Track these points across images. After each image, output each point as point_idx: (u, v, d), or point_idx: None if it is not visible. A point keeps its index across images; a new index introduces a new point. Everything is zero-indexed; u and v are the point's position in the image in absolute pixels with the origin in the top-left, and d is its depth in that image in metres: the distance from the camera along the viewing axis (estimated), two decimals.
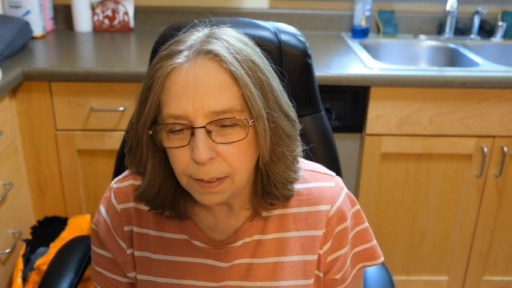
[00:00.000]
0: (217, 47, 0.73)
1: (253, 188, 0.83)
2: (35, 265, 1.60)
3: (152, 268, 0.88)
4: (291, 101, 0.81)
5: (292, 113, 0.80)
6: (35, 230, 1.76)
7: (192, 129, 0.71)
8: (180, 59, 0.73)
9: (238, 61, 0.72)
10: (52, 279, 1.08)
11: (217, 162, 0.72)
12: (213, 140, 0.72)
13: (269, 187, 0.81)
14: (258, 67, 0.75)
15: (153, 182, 0.81)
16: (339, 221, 0.86)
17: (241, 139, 0.73)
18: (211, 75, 0.71)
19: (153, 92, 0.73)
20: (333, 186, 0.87)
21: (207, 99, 0.70)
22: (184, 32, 0.78)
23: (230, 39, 0.75)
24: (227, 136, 0.72)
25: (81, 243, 1.21)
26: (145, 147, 0.77)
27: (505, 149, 1.79)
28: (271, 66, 0.79)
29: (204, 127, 0.71)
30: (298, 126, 0.82)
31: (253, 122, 0.73)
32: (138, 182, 0.86)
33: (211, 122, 0.71)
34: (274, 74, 0.79)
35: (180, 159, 0.73)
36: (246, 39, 0.78)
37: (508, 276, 2.03)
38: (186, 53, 0.73)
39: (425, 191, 1.88)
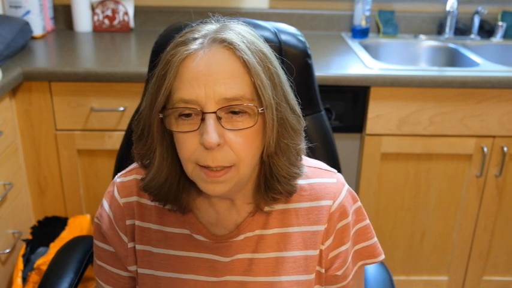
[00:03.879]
0: (231, 36, 0.75)
1: (256, 183, 0.84)
2: (35, 265, 1.60)
3: (153, 262, 0.88)
4: (297, 98, 0.83)
5: (298, 108, 0.82)
6: (35, 230, 1.76)
7: (202, 115, 0.72)
8: (195, 45, 0.75)
9: (251, 51, 0.74)
10: (52, 279, 1.08)
11: (224, 150, 0.73)
12: (222, 126, 0.73)
13: (272, 182, 0.82)
14: (269, 59, 0.77)
15: (161, 170, 0.81)
16: (341, 217, 0.87)
17: (250, 126, 0.74)
18: (224, 62, 0.73)
19: (168, 77, 0.74)
20: (335, 182, 0.88)
21: (218, 86, 0.72)
22: (197, 24, 0.80)
23: (243, 32, 0.77)
24: (236, 123, 0.74)
25: (81, 243, 1.21)
26: (156, 132, 0.78)
27: (505, 149, 1.79)
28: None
29: (214, 112, 0.72)
30: (303, 122, 0.83)
31: (262, 110, 0.74)
32: (141, 177, 0.86)
33: (222, 108, 0.72)
34: (282, 71, 0.80)
35: (189, 145, 0.74)
36: (257, 35, 0.80)
37: (508, 276, 2.03)
38: (200, 40, 0.75)
39: (425, 191, 1.88)
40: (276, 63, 0.78)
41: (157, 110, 0.76)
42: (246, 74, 0.73)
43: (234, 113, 0.73)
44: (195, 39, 0.75)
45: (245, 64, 0.73)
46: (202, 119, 0.72)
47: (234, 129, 0.73)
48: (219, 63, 0.73)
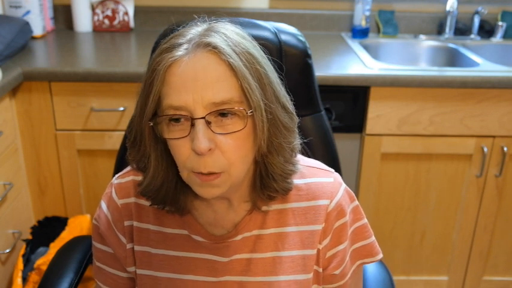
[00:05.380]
0: (215, 39, 0.74)
1: (252, 181, 0.84)
2: (35, 265, 1.60)
3: (152, 263, 0.88)
4: (289, 95, 0.82)
5: (290, 106, 0.81)
6: (35, 230, 1.76)
7: (192, 120, 0.72)
8: (180, 51, 0.74)
9: (236, 53, 0.74)
10: (52, 279, 1.08)
11: (215, 155, 0.73)
12: (212, 131, 0.73)
13: (267, 180, 0.82)
14: (256, 59, 0.76)
15: (157, 175, 0.81)
16: (338, 216, 0.87)
17: (240, 129, 0.74)
18: (210, 67, 0.73)
19: (155, 85, 0.74)
20: (332, 182, 0.88)
21: (206, 91, 0.72)
22: (183, 27, 0.79)
23: (228, 33, 0.76)
24: (226, 127, 0.74)
25: (81, 243, 1.21)
26: (148, 139, 0.79)
27: (505, 149, 1.79)
28: (269, 60, 0.80)
29: (203, 118, 0.72)
30: (296, 119, 0.82)
31: (251, 112, 0.74)
32: (139, 178, 0.87)
33: (211, 112, 0.72)
34: (272, 68, 0.80)
35: (181, 151, 0.74)
36: (244, 34, 0.79)
37: (508, 276, 2.03)
38: (185, 46, 0.75)
39: (425, 191, 1.88)
40: (264, 63, 0.77)
41: (148, 118, 0.76)
42: (232, 77, 0.73)
43: (224, 115, 0.73)
44: (180, 44, 0.75)
45: (231, 67, 0.73)
46: (192, 125, 0.72)
47: (224, 133, 0.73)
48: (205, 68, 0.72)
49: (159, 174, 0.81)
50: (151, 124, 0.76)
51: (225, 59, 0.73)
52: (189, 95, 0.72)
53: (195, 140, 0.71)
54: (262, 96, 0.75)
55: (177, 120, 0.74)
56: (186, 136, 0.73)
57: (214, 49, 0.73)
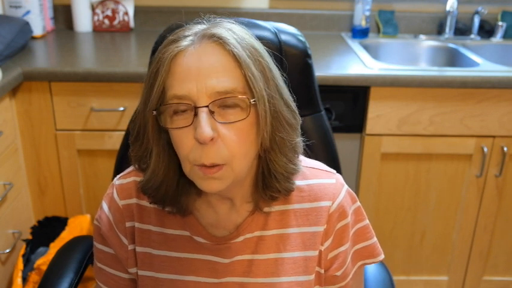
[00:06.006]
0: (221, 31, 0.76)
1: (254, 181, 0.84)
2: (35, 265, 1.60)
3: (154, 264, 0.88)
4: (291, 95, 0.83)
5: (293, 104, 0.82)
6: (35, 230, 1.76)
7: (195, 109, 0.73)
8: (185, 42, 0.75)
9: (241, 45, 0.75)
10: (52, 279, 1.08)
11: (217, 145, 0.73)
12: (215, 120, 0.73)
13: (270, 180, 0.82)
14: (260, 53, 0.77)
15: (157, 171, 0.81)
16: (340, 218, 0.87)
17: (243, 119, 0.74)
18: (214, 57, 0.74)
19: (160, 74, 0.75)
20: (334, 183, 0.88)
21: (210, 80, 0.72)
22: (189, 24, 0.81)
23: (234, 29, 0.78)
24: (229, 117, 0.74)
25: (81, 243, 1.21)
26: (151, 131, 0.79)
27: (505, 149, 1.79)
28: (272, 60, 0.81)
29: (207, 106, 0.72)
30: (299, 118, 0.83)
31: (254, 101, 0.74)
32: (140, 179, 0.86)
33: (214, 101, 0.72)
34: (275, 66, 0.81)
35: (184, 141, 0.74)
36: (248, 32, 0.80)
37: (508, 276, 2.03)
38: (191, 37, 0.76)
39: (425, 191, 1.88)
40: (267, 57, 0.78)
41: (152, 108, 0.76)
42: (236, 68, 0.74)
43: (227, 106, 0.74)
44: (186, 36, 0.76)
45: (235, 58, 0.73)
46: (195, 114, 0.73)
47: (226, 122, 0.73)
48: (209, 58, 0.73)
49: (159, 170, 0.81)
50: (155, 113, 0.76)
51: (230, 49, 0.73)
52: (192, 84, 0.72)
53: (198, 128, 0.71)
54: (266, 87, 0.75)
55: (181, 111, 0.74)
56: (189, 125, 0.73)
57: (219, 39, 0.74)
